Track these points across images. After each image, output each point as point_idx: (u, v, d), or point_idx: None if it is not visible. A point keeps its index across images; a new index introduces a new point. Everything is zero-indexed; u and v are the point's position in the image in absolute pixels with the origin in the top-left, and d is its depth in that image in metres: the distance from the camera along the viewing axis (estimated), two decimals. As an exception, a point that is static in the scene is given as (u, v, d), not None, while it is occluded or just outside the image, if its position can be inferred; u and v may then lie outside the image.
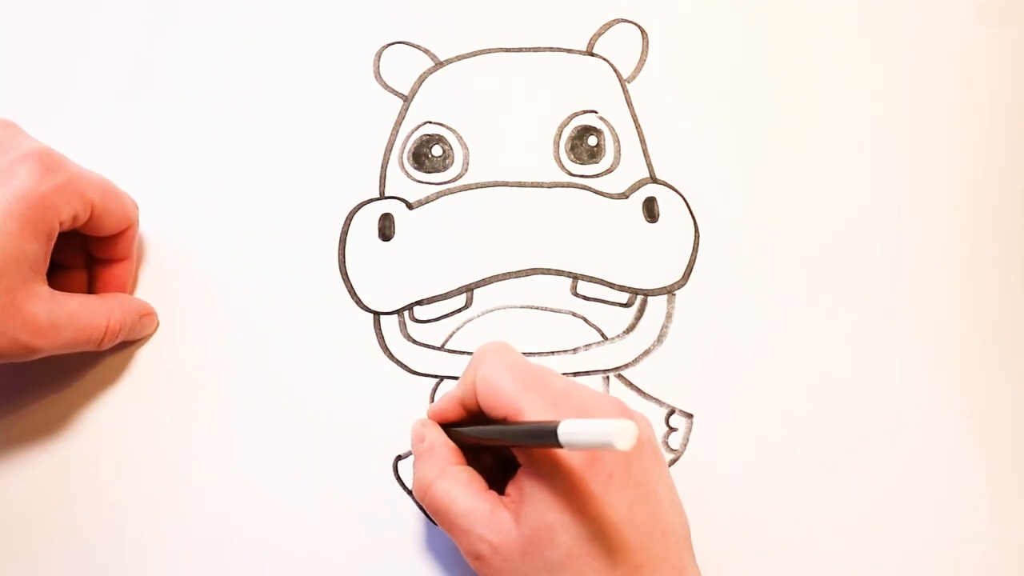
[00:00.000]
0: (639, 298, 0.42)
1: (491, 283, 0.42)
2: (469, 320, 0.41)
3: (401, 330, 0.41)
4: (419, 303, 0.41)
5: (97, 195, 0.37)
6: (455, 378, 0.40)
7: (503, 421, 0.32)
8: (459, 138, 0.43)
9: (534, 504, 0.31)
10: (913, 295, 0.42)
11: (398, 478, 0.39)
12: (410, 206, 0.43)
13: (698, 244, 0.42)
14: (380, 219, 0.42)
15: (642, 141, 0.44)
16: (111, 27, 0.45)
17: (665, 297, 0.42)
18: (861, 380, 0.41)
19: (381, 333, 0.41)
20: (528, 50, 0.45)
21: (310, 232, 0.42)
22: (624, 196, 0.43)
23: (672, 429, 0.40)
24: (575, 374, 0.41)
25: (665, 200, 0.43)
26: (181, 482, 0.39)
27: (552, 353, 0.41)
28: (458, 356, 0.41)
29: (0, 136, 0.36)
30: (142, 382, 0.40)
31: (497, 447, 0.35)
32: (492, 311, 0.41)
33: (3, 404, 0.40)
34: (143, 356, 0.41)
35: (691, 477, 0.39)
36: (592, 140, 0.43)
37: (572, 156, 0.43)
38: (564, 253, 0.42)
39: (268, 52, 0.44)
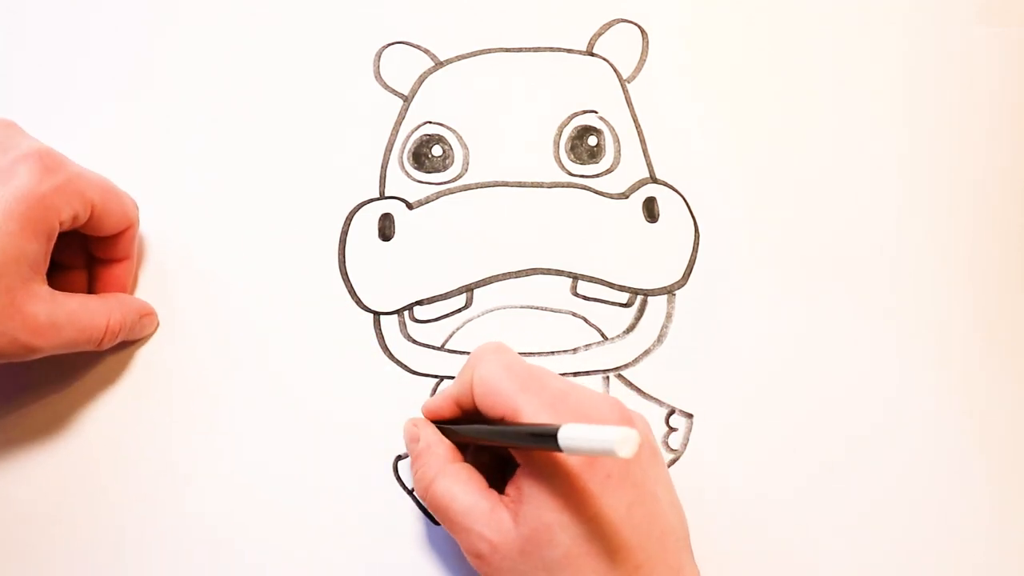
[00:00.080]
0: (639, 298, 0.42)
1: (491, 283, 0.42)
2: (469, 320, 0.41)
3: (401, 330, 0.41)
4: (419, 303, 0.41)
5: (97, 195, 0.37)
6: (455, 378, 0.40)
7: (500, 421, 0.32)
8: (459, 138, 0.43)
9: (532, 504, 0.31)
10: (913, 295, 0.42)
11: (398, 478, 0.39)
12: (410, 206, 0.43)
13: (698, 244, 0.42)
14: (380, 219, 0.42)
15: (642, 141, 0.44)
16: (111, 27, 0.45)
17: (665, 297, 0.42)
18: (861, 380, 0.41)
19: (381, 333, 0.41)
20: (528, 50, 0.45)
21: (310, 232, 0.42)
22: (624, 196, 0.43)
23: (672, 429, 0.40)
24: (575, 374, 0.41)
25: (665, 200, 0.43)
26: (181, 482, 0.39)
27: (552, 353, 0.41)
28: (458, 356, 0.41)
29: (0, 136, 0.36)
30: (142, 382, 0.40)
31: (495, 447, 0.35)
32: (492, 311, 0.41)
33: (3, 404, 0.40)
34: (143, 356, 0.41)
35: (691, 477, 0.39)
36: (592, 140, 0.43)
37: (572, 156, 0.43)
38: (564, 253, 0.42)
39: (268, 52, 0.44)
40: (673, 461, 0.40)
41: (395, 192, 0.43)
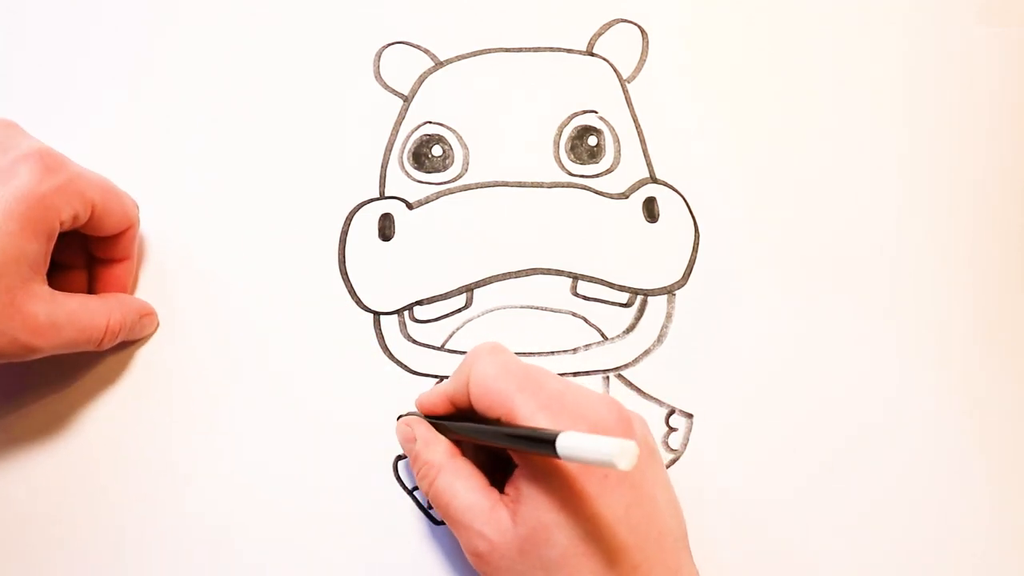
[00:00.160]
0: (639, 298, 0.42)
1: (491, 283, 0.42)
2: (469, 320, 0.41)
3: (401, 330, 0.41)
4: (419, 303, 0.41)
5: (98, 195, 0.37)
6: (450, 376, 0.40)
7: (496, 421, 0.32)
8: (459, 138, 0.43)
9: (530, 504, 0.31)
10: (913, 295, 0.42)
11: (398, 478, 0.39)
12: (410, 206, 0.43)
13: (698, 244, 0.42)
14: (380, 219, 0.42)
15: (642, 141, 0.44)
16: (111, 27, 0.45)
17: (665, 297, 0.42)
18: (861, 380, 0.41)
19: (381, 333, 0.41)
20: (528, 50, 0.45)
21: (310, 232, 0.42)
22: (624, 196, 0.43)
23: (672, 429, 0.40)
24: (575, 374, 0.41)
25: (665, 200, 0.43)
26: (181, 482, 0.39)
27: (552, 353, 0.41)
28: (458, 356, 0.41)
29: (1, 136, 0.36)
30: (142, 382, 0.40)
31: (492, 447, 0.35)
32: (492, 311, 0.41)
33: (3, 404, 0.40)
34: (143, 356, 0.41)
35: (691, 477, 0.39)
36: (592, 140, 0.43)
37: (572, 156, 0.43)
38: (564, 253, 0.42)
39: (268, 52, 0.44)
40: (673, 461, 0.40)
41: (395, 192, 0.43)
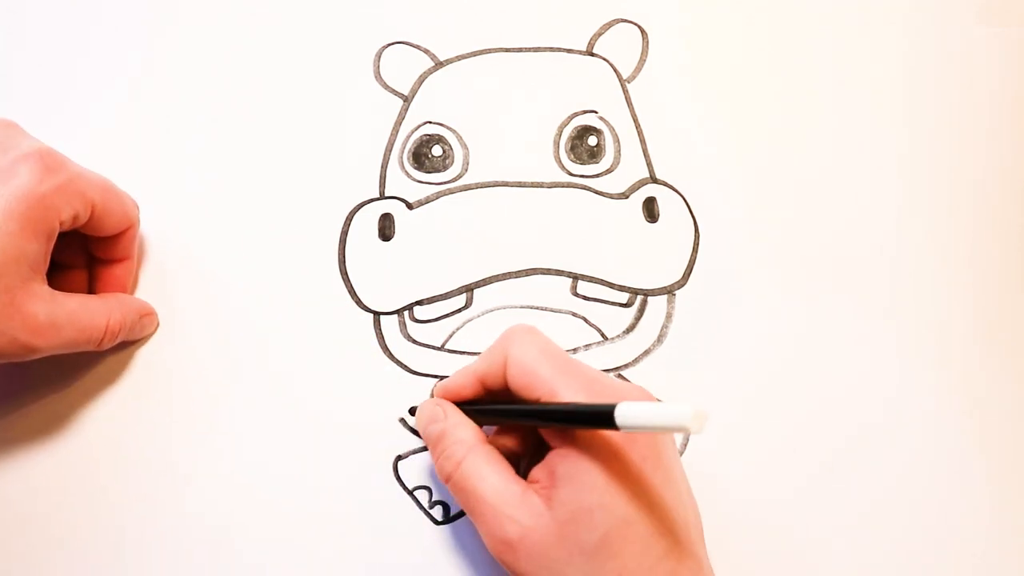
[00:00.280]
0: (639, 298, 0.42)
1: (491, 283, 0.42)
2: (469, 320, 0.41)
3: (401, 330, 0.41)
4: (419, 303, 0.41)
5: (98, 195, 0.37)
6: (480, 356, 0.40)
7: (534, 402, 0.32)
8: (459, 138, 0.43)
9: (570, 486, 0.31)
10: (913, 295, 0.42)
11: (398, 478, 0.39)
12: (410, 206, 0.43)
13: (698, 244, 0.42)
14: (380, 219, 0.42)
15: (642, 141, 0.44)
16: (111, 27, 0.45)
17: (665, 297, 0.42)
18: (861, 380, 0.41)
19: (381, 333, 0.41)
20: (528, 50, 0.45)
21: (310, 232, 0.42)
22: (624, 196, 0.43)
23: (672, 429, 0.40)
24: (575, 374, 0.41)
25: (665, 200, 0.43)
26: (181, 482, 0.39)
27: (552, 353, 0.41)
28: (458, 356, 0.41)
29: (1, 136, 0.36)
30: (142, 382, 0.40)
31: (519, 429, 0.35)
32: (492, 311, 0.41)
33: (3, 404, 0.40)
34: (143, 356, 0.41)
35: (691, 477, 0.39)
36: (592, 140, 0.43)
37: (572, 156, 0.43)
38: (564, 253, 0.42)
39: (268, 52, 0.44)
40: (673, 461, 0.40)
41: (395, 192, 0.43)
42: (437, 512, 0.39)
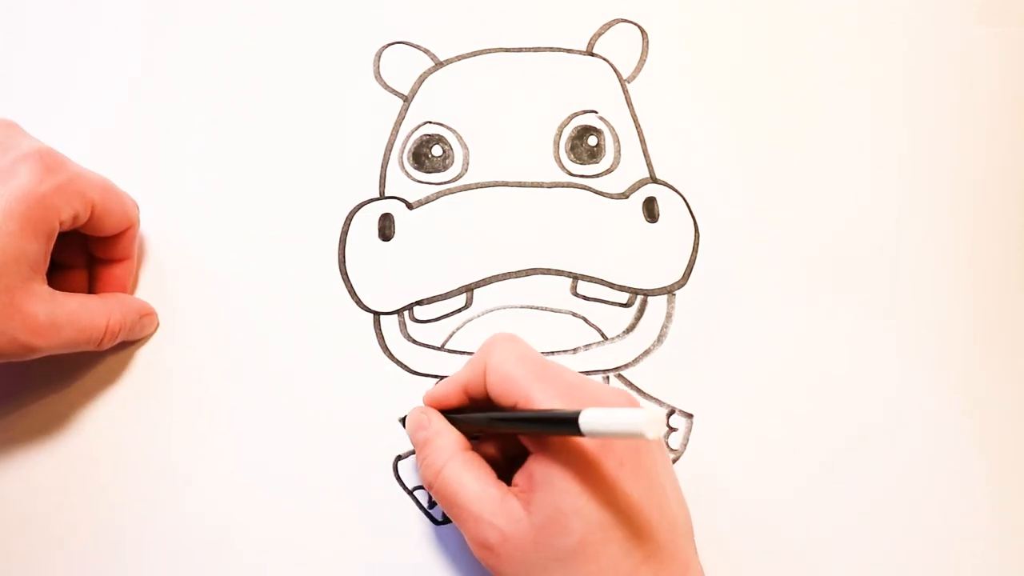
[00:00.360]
0: (639, 298, 0.42)
1: (491, 283, 0.42)
2: (469, 320, 0.41)
3: (401, 330, 0.41)
4: (419, 303, 0.41)
5: (98, 195, 0.37)
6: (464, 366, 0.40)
7: (512, 409, 0.32)
8: (459, 138, 0.43)
9: (546, 491, 0.31)
10: (913, 295, 0.42)
11: (398, 478, 0.39)
12: (410, 206, 0.43)
13: (698, 244, 0.42)
14: (380, 219, 0.42)
15: (642, 141, 0.44)
16: (111, 27, 0.45)
17: (665, 297, 0.42)
18: (861, 380, 0.41)
19: (381, 333, 0.41)
20: (528, 50, 0.45)
21: (310, 232, 0.42)
22: (624, 196, 0.43)
23: (672, 429, 0.40)
24: (575, 374, 0.41)
25: (665, 200, 0.43)
26: (181, 482, 0.39)
27: (552, 353, 0.41)
28: (458, 356, 0.41)
29: (1, 136, 0.36)
30: (142, 382, 0.40)
31: (503, 437, 0.35)
32: (492, 311, 0.41)
33: (3, 404, 0.40)
34: (143, 356, 0.41)
35: (691, 477, 0.39)
36: (592, 140, 0.43)
37: (572, 156, 0.43)
38: (564, 253, 0.42)
39: (268, 52, 0.44)
40: (673, 461, 0.40)
41: (395, 192, 0.43)
42: (437, 512, 0.39)
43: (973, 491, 0.40)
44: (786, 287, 0.42)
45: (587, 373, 0.41)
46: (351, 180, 0.43)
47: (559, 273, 0.42)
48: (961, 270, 0.42)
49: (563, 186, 0.43)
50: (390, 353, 0.41)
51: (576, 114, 0.44)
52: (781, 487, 0.40)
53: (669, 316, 0.42)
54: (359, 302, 0.41)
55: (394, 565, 0.38)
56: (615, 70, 0.45)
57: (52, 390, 0.40)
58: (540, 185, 0.43)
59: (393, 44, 0.45)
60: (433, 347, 0.41)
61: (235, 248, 0.42)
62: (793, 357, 0.41)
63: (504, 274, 0.42)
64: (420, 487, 0.39)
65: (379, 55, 0.45)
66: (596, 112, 0.44)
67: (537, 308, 0.41)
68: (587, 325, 0.41)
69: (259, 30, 0.45)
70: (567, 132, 0.44)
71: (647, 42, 0.45)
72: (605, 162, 0.43)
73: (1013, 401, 0.41)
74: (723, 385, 0.41)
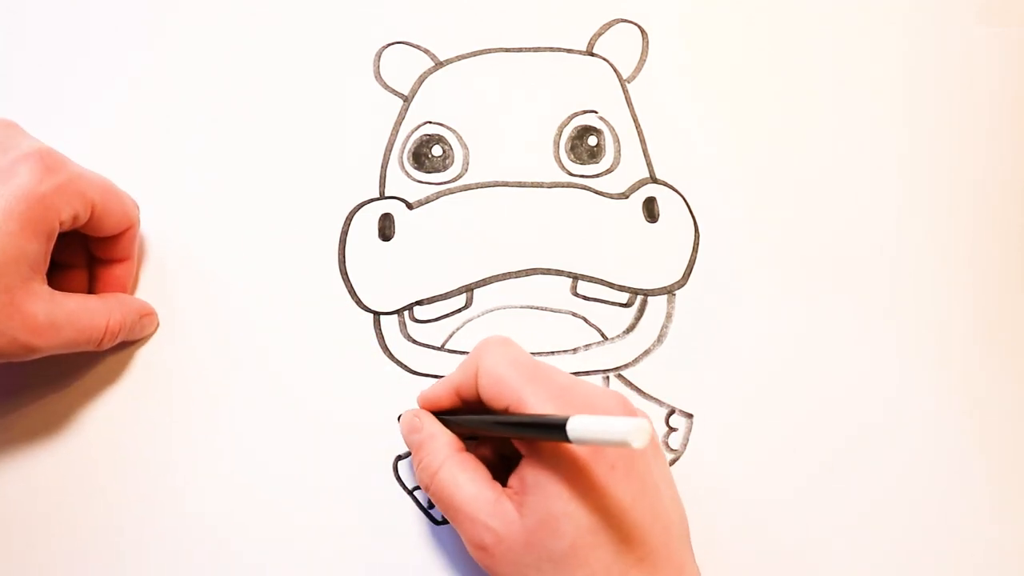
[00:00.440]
0: (639, 298, 0.42)
1: (491, 283, 0.42)
2: (469, 320, 0.41)
3: (401, 330, 0.41)
4: (419, 303, 0.41)
5: (98, 195, 0.37)
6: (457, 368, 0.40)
7: (504, 412, 0.32)
8: (459, 138, 0.43)
9: (538, 494, 0.31)
10: (913, 295, 0.42)
11: (398, 478, 0.39)
12: (410, 206, 0.43)
13: (698, 244, 0.42)
14: (380, 219, 0.42)
15: (642, 141, 0.44)
16: (111, 27, 0.45)
17: (665, 297, 0.42)
18: (861, 380, 0.41)
19: (381, 333, 0.41)
20: (528, 50, 0.45)
21: (310, 232, 0.42)
22: (624, 196, 0.43)
23: (672, 429, 0.40)
24: (575, 374, 0.41)
25: (665, 200, 0.43)
26: (181, 482, 0.39)
27: (552, 353, 0.41)
28: (458, 356, 0.41)
29: (1, 136, 0.36)
30: (142, 382, 0.40)
31: (498, 438, 0.35)
32: (492, 311, 0.41)
33: (3, 404, 0.40)
34: (143, 356, 0.41)
35: (691, 477, 0.39)
36: (592, 140, 0.43)
37: (572, 156, 0.43)
38: (564, 253, 0.42)
39: (268, 52, 0.44)
40: (673, 461, 0.40)
41: (395, 192, 0.43)
42: (436, 512, 0.39)
43: (973, 491, 0.40)
44: (786, 287, 0.42)
45: (587, 373, 0.41)
46: (351, 180, 0.43)
47: (559, 273, 0.42)
48: (961, 270, 0.42)
49: (563, 186, 0.43)
50: (390, 353, 0.41)
51: (576, 114, 0.44)
52: (781, 487, 0.40)
53: (669, 316, 0.42)
54: (359, 302, 0.41)
55: (394, 565, 0.38)
56: (615, 70, 0.45)
57: (52, 390, 0.40)
58: (540, 185, 0.43)
59: (393, 44, 0.45)
60: (433, 347, 0.41)
61: (235, 248, 0.42)
62: (793, 357, 0.41)
63: (504, 274, 0.42)
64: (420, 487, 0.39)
65: (379, 55, 0.45)
66: (596, 112, 0.44)
67: (537, 308, 0.41)
68: (587, 325, 0.41)
69: (259, 30, 0.45)
70: (567, 132, 0.44)
71: (647, 42, 0.45)
72: (605, 162, 0.43)
73: (1013, 401, 0.41)
74: (723, 385, 0.41)
